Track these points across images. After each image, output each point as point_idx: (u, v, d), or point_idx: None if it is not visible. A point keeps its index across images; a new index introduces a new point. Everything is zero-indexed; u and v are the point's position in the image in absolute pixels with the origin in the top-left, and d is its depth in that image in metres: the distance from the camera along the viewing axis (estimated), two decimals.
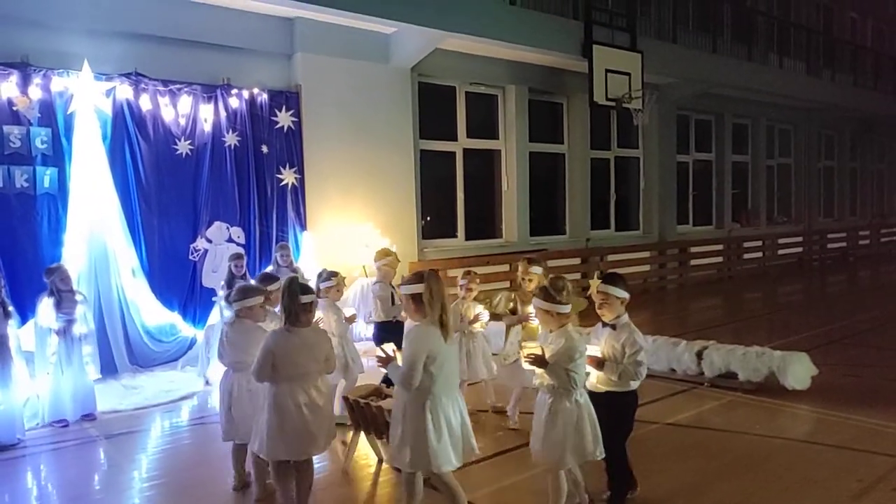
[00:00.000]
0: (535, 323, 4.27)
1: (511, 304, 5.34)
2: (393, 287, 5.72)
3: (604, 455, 3.59)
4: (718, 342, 6.58)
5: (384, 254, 6.02)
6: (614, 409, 3.67)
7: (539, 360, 3.51)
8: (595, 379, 3.71)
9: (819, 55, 16.99)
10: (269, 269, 7.61)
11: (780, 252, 16.54)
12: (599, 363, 3.65)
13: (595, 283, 3.77)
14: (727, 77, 13.42)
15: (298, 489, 3.80)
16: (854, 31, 19.41)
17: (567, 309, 3.58)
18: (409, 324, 4.88)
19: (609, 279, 3.75)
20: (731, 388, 6.13)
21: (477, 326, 5.46)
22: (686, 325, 9.54)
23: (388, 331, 5.51)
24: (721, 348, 6.39)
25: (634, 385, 3.69)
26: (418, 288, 3.34)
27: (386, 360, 3.52)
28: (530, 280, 5.15)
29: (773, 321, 10.27)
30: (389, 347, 3.57)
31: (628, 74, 11.18)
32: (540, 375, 3.57)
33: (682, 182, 14.62)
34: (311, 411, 3.62)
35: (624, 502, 3.84)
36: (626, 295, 3.71)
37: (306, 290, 3.76)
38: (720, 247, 15.01)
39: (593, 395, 3.66)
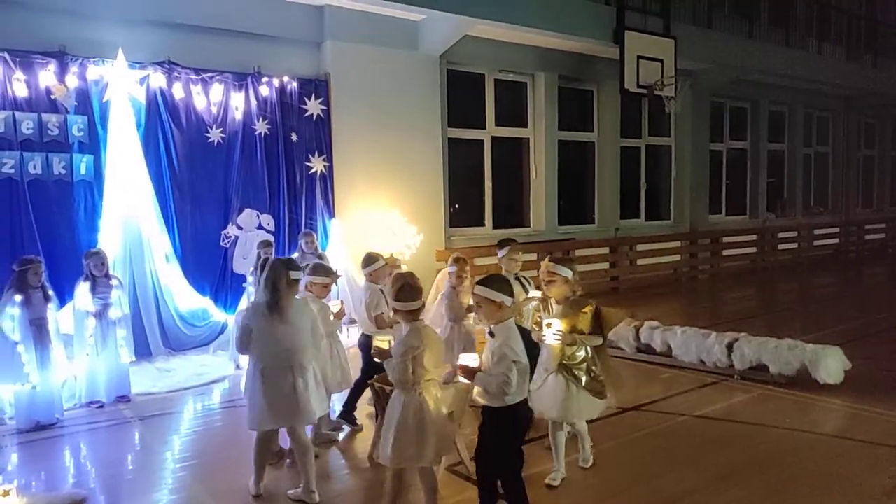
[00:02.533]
0: (555, 342, 3.88)
1: (537, 317, 4.39)
2: (524, 281, 5.21)
3: (431, 465, 3.46)
4: (750, 334, 6.46)
5: (509, 245, 5.23)
6: (492, 426, 3.33)
7: (380, 354, 3.54)
8: (476, 390, 3.38)
9: (861, 40, 16.46)
10: (295, 255, 7.70)
11: (816, 243, 16.16)
12: (469, 374, 3.27)
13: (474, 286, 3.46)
14: (764, 63, 13.09)
15: None
16: None
17: (415, 306, 3.45)
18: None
19: (484, 281, 3.38)
20: (761, 381, 6.04)
21: (472, 317, 5.17)
22: (717, 317, 9.41)
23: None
24: (752, 340, 6.27)
25: (509, 401, 3.22)
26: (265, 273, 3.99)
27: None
28: (551, 281, 4.10)
29: (806, 314, 10.05)
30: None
31: (661, 61, 10.98)
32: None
33: (715, 171, 14.35)
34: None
35: None
36: (502, 298, 3.29)
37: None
38: (754, 237, 14.73)
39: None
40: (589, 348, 3.98)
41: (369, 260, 5.12)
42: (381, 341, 3.60)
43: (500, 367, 3.19)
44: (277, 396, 3.84)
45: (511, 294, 3.36)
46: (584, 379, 3.96)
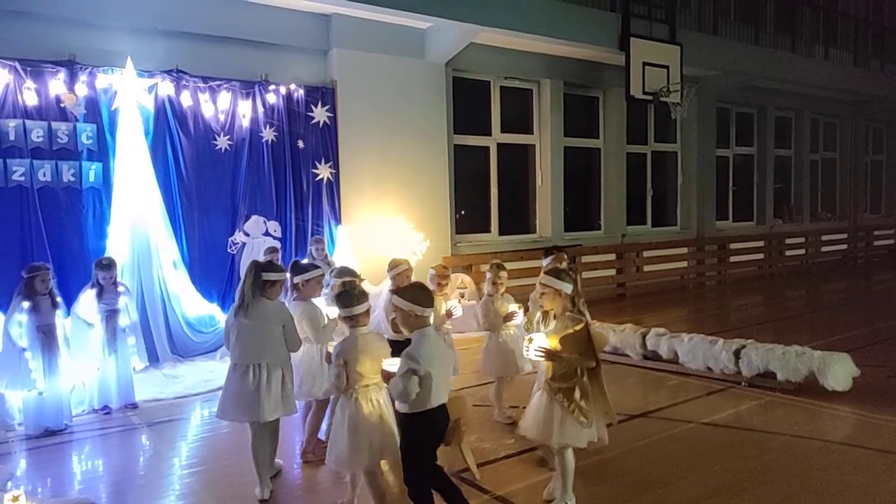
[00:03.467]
0: (536, 358, 3.74)
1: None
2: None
3: (361, 469, 3.54)
4: (757, 341, 6.44)
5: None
6: (404, 432, 3.41)
7: (327, 358, 3.80)
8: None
9: (868, 45, 16.42)
10: (305, 261, 7.73)
11: (824, 249, 16.09)
12: (387, 378, 3.36)
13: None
14: (770, 69, 13.09)
15: None
16: None
17: (354, 311, 3.54)
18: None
19: (399, 291, 3.50)
20: (769, 388, 6.01)
21: (512, 325, 5.15)
22: (725, 324, 9.38)
23: None
24: (759, 347, 6.25)
25: (413, 408, 3.26)
26: None
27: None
28: (543, 294, 3.79)
29: (814, 320, 10.01)
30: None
31: (667, 67, 10.99)
32: None
33: (721, 177, 14.33)
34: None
35: None
36: (411, 308, 3.34)
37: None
38: (761, 243, 14.68)
39: None
40: (579, 370, 3.65)
41: (392, 265, 5.24)
42: (331, 346, 3.71)
43: (399, 372, 3.25)
44: (240, 392, 4.02)
45: (429, 305, 3.39)
46: (568, 402, 3.60)
